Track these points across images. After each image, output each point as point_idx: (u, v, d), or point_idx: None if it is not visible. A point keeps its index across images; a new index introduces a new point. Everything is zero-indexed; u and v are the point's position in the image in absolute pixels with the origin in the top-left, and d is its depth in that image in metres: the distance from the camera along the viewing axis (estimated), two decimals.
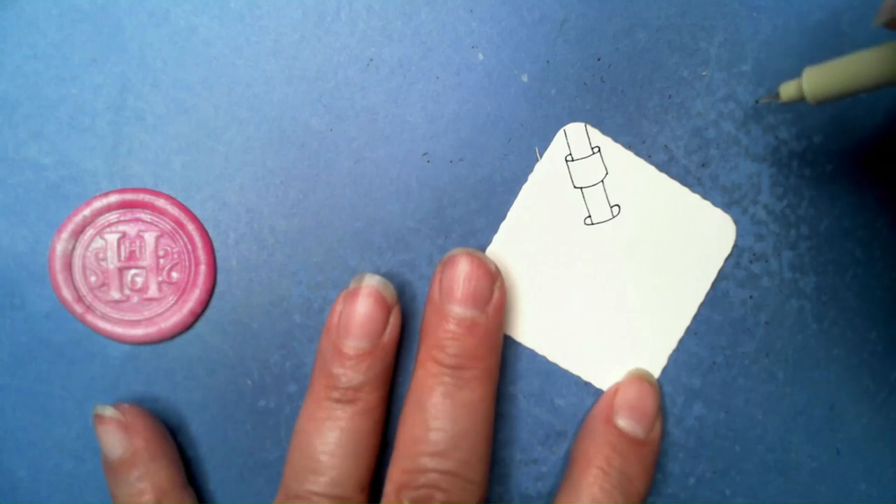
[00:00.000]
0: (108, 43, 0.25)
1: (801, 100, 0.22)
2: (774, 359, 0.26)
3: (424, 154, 0.26)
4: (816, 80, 0.21)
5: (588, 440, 0.25)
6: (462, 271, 0.24)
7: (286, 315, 0.26)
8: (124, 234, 0.25)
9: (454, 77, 0.26)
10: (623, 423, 0.24)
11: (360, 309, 0.23)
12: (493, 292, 0.24)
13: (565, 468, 0.25)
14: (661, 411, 0.25)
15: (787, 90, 0.22)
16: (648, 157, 0.26)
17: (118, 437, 0.24)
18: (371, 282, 0.24)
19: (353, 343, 0.23)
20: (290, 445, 0.24)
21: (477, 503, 0.23)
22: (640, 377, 0.25)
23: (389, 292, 0.24)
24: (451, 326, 0.23)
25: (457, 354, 0.23)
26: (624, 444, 0.24)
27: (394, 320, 0.24)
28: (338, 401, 0.23)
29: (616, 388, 0.25)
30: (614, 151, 0.26)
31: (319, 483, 0.23)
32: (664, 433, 0.26)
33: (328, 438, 0.23)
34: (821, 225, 0.26)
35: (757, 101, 0.25)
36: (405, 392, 0.25)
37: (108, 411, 0.24)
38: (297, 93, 0.26)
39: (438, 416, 0.23)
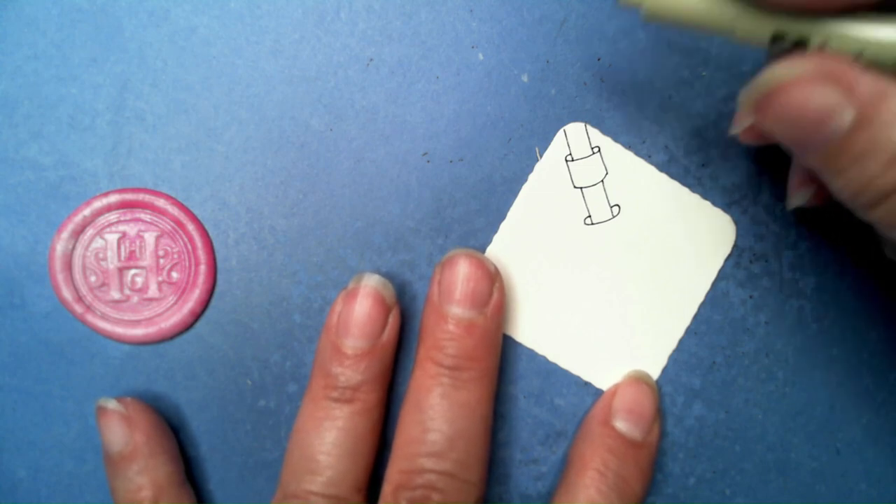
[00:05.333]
0: (108, 43, 0.25)
1: (637, 6, 0.20)
2: (774, 359, 0.26)
3: (424, 154, 0.26)
4: None
5: (585, 442, 0.25)
6: (461, 272, 0.24)
7: (286, 315, 0.26)
8: (124, 234, 0.25)
9: (454, 77, 0.26)
10: (620, 425, 0.24)
11: (359, 309, 0.23)
12: (492, 293, 0.24)
13: (563, 470, 0.25)
14: (660, 413, 0.25)
15: None
16: (648, 157, 0.26)
17: (119, 430, 0.24)
18: (370, 282, 0.24)
19: (352, 343, 0.23)
20: (289, 444, 0.24)
21: None
22: (639, 379, 0.25)
23: (389, 292, 0.24)
24: (450, 327, 0.23)
25: (455, 355, 0.23)
26: (621, 447, 0.24)
27: (393, 320, 0.24)
28: (336, 400, 0.23)
29: (614, 390, 0.25)
30: (614, 151, 0.26)
31: (316, 482, 0.23)
32: (664, 433, 0.26)
33: (326, 438, 0.23)
34: (821, 225, 0.26)
35: (616, 4, 0.24)
36: (404, 392, 0.25)
37: (111, 404, 0.24)
38: (297, 93, 0.26)
39: (436, 416, 0.23)
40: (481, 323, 0.23)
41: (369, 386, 0.23)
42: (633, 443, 0.24)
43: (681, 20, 0.20)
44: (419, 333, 0.24)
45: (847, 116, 0.17)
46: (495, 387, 0.24)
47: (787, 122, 0.17)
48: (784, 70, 0.17)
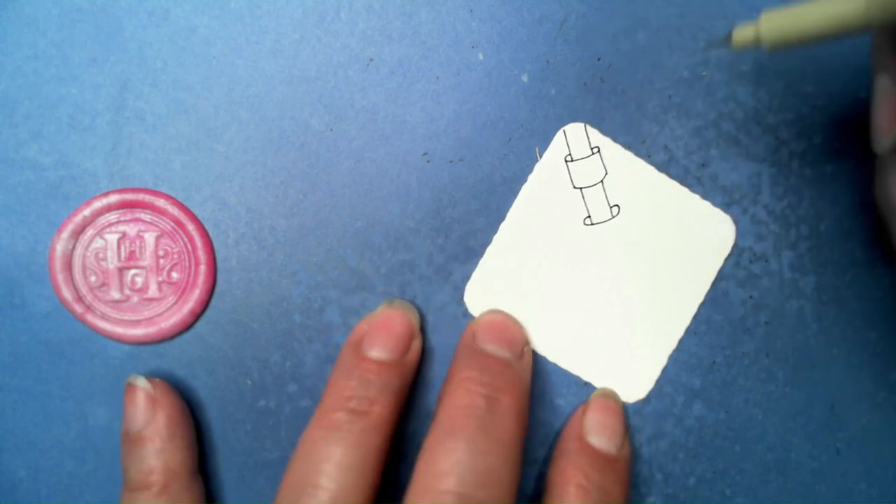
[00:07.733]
0: (108, 43, 0.25)
1: (755, 46, 0.20)
2: (774, 359, 0.26)
3: (424, 154, 0.26)
4: (775, 23, 0.20)
5: (564, 459, 0.24)
6: (496, 320, 0.25)
7: (286, 315, 0.26)
8: (124, 234, 0.25)
9: (454, 77, 0.26)
10: (595, 440, 0.24)
11: (389, 324, 0.24)
12: (524, 352, 0.25)
13: (542, 492, 0.25)
14: (629, 429, 0.26)
15: (742, 33, 0.21)
16: (648, 157, 0.26)
17: (143, 409, 0.24)
18: (400, 304, 0.25)
19: (377, 353, 0.23)
20: (293, 455, 0.23)
21: None
22: (605, 396, 0.25)
23: (415, 317, 0.25)
24: (486, 360, 0.23)
25: (491, 383, 0.23)
26: (599, 461, 0.24)
27: (416, 345, 0.24)
28: (350, 412, 0.22)
29: (583, 409, 0.25)
30: (614, 151, 0.26)
31: (318, 497, 0.21)
32: (664, 433, 0.26)
33: (333, 451, 0.22)
34: (821, 225, 0.26)
35: (706, 47, 0.23)
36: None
37: (141, 382, 0.24)
38: (297, 93, 0.26)
39: (467, 449, 0.21)
40: (516, 366, 0.24)
41: (386, 400, 0.23)
42: (609, 456, 0.24)
43: (810, 36, 0.19)
44: (449, 372, 0.24)
45: None
46: (525, 434, 0.23)
47: None
48: None
